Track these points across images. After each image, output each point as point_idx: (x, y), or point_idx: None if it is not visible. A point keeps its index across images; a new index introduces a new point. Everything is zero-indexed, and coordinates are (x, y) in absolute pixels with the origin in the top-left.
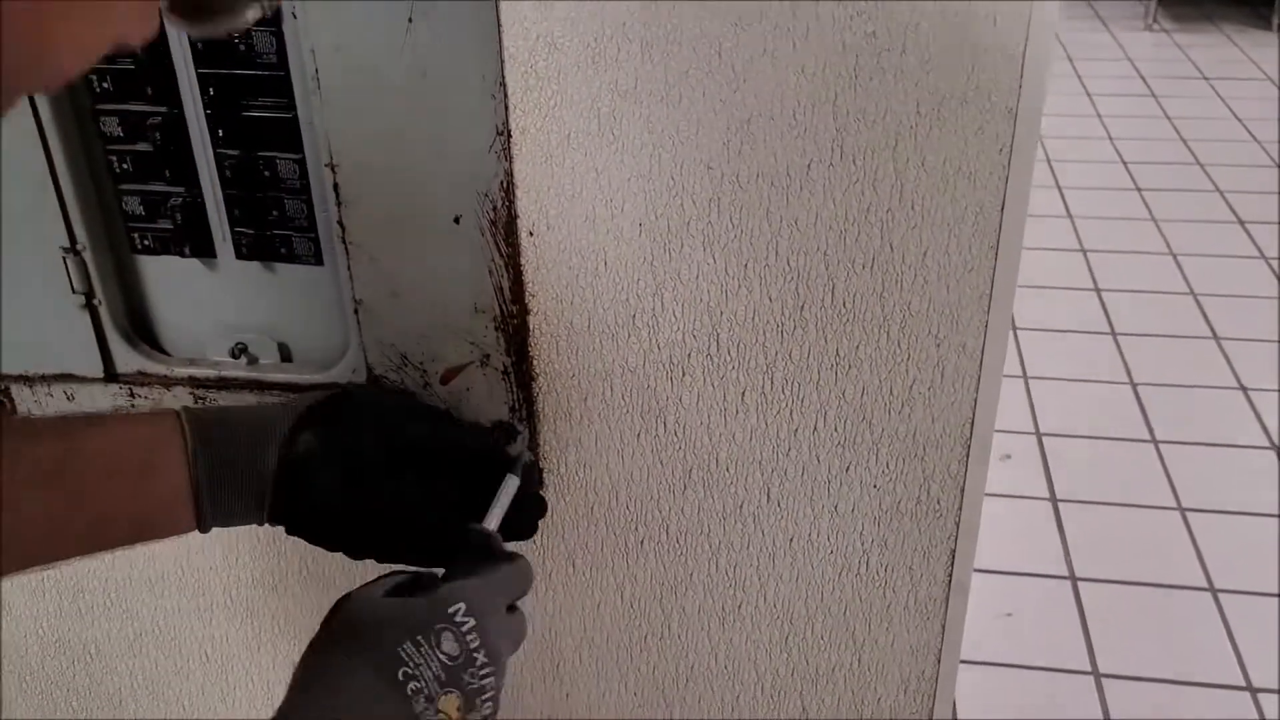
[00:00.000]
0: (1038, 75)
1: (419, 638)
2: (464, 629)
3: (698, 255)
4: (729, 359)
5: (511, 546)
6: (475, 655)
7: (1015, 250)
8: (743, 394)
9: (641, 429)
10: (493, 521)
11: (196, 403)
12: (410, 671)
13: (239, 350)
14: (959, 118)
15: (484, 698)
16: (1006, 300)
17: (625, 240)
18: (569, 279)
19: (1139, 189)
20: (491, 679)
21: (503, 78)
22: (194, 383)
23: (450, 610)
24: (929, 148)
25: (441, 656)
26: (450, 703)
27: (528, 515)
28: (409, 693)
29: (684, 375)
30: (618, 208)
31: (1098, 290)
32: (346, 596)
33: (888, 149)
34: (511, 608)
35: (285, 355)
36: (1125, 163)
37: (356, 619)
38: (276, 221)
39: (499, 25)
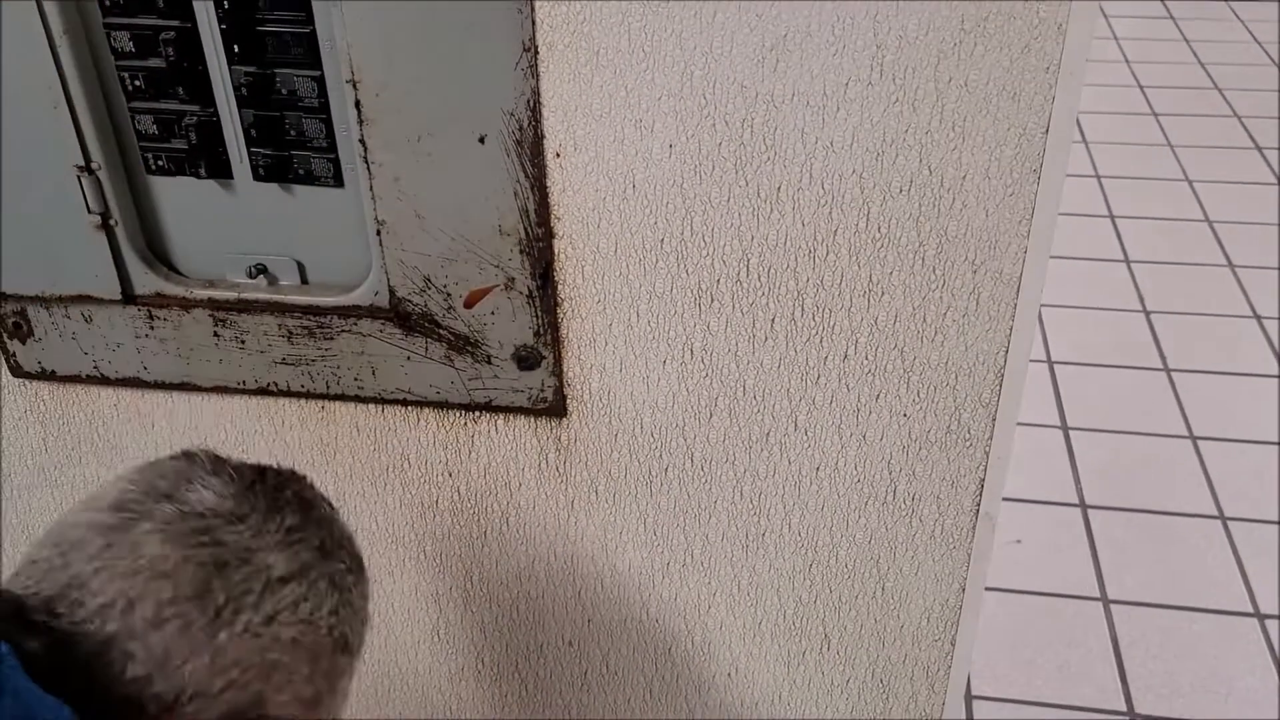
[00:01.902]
0: None
1: None
2: None
3: (729, 178)
4: (759, 285)
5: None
6: None
7: (1059, 174)
8: (772, 321)
9: (667, 356)
10: None
11: (216, 325)
12: None
13: (257, 270)
14: (1005, 34)
15: None
16: (1048, 225)
17: (655, 162)
18: (596, 201)
19: (1155, 114)
20: None
21: None
22: (213, 305)
23: None
24: (972, 66)
25: None
26: None
27: None
28: None
29: (712, 301)
30: (647, 128)
31: (1111, 217)
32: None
33: (929, 67)
34: None
35: (305, 277)
36: (1141, 87)
37: None
38: (295, 142)
39: None
